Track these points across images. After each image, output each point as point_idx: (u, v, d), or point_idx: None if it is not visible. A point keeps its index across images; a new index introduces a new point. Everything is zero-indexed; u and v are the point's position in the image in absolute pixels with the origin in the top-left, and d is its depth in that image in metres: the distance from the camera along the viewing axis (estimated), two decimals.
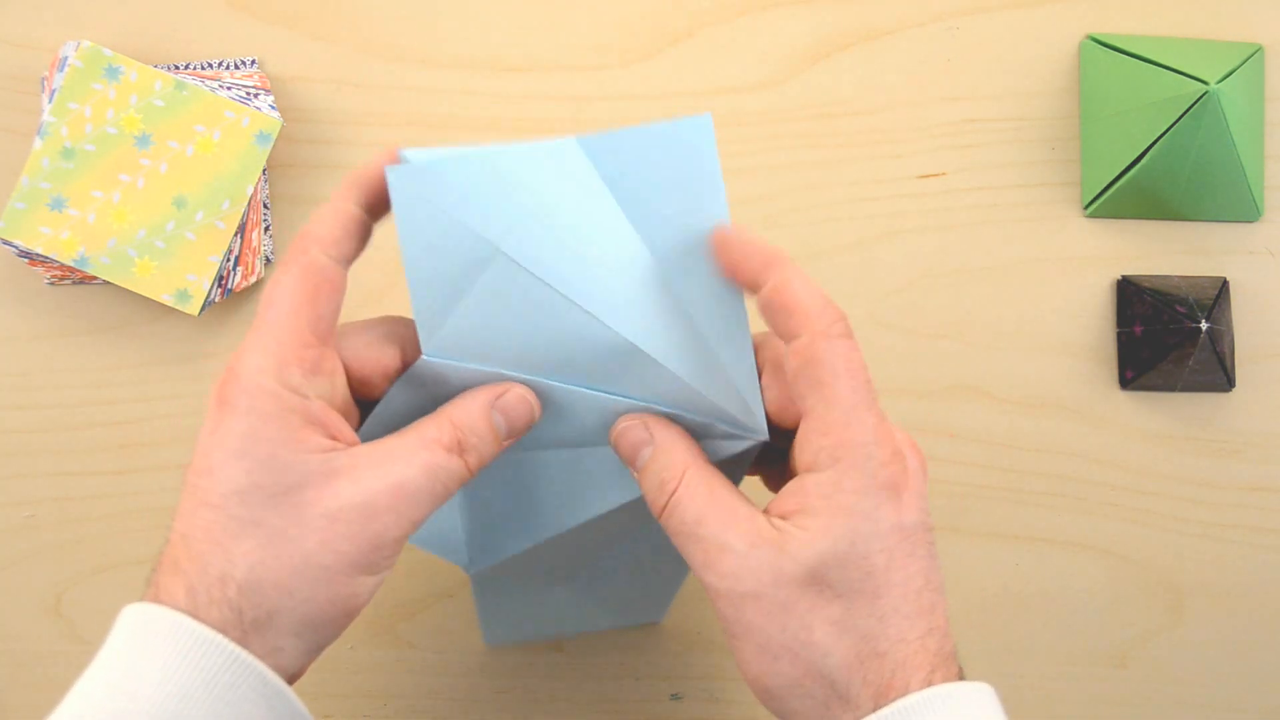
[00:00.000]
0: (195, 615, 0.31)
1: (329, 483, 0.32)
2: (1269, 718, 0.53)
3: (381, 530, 0.32)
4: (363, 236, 0.35)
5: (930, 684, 0.31)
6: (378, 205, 0.35)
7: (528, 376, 0.35)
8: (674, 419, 0.36)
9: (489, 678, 0.52)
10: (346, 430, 0.34)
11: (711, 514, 0.33)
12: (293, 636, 0.32)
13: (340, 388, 0.35)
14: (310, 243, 0.34)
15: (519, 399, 0.35)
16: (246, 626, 0.31)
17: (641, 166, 0.34)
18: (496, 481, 0.40)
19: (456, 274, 0.34)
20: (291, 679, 0.33)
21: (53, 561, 0.51)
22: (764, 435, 0.36)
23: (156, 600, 0.31)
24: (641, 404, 0.36)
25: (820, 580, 0.32)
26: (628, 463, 0.36)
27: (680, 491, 0.34)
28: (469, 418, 0.34)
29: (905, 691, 0.31)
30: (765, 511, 0.33)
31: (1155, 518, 0.53)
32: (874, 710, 0.31)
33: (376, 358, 0.35)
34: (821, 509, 0.32)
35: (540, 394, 0.36)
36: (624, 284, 0.34)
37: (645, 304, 0.34)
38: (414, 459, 0.33)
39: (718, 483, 0.34)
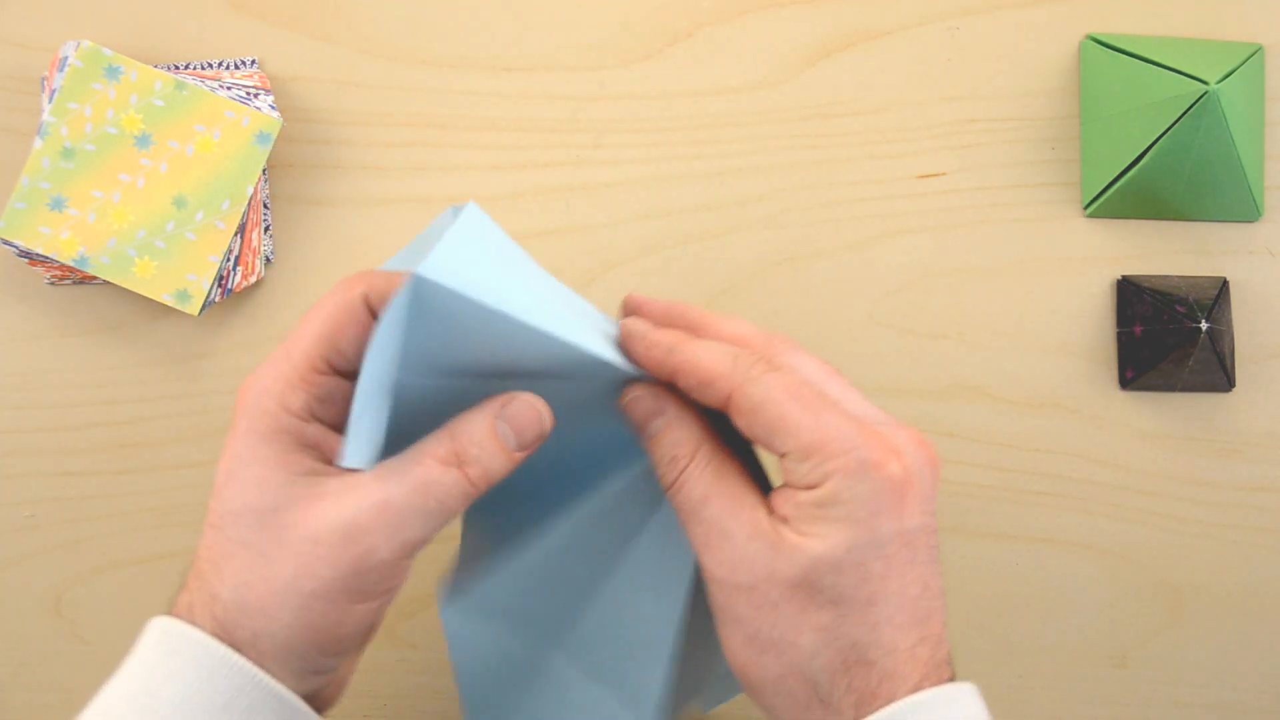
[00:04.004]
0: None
1: (313, 505, 0.31)
2: (1269, 718, 0.53)
3: (364, 554, 0.31)
4: None
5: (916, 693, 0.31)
6: None
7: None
8: None
9: None
10: None
11: (717, 496, 0.33)
12: (277, 661, 0.31)
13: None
14: (360, 282, 0.33)
15: (527, 406, 0.33)
16: (234, 646, 0.31)
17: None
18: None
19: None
20: (313, 702, 0.33)
21: (53, 561, 0.51)
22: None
23: (177, 615, 0.32)
24: None
25: (812, 585, 0.31)
26: (638, 430, 0.35)
27: (691, 468, 0.33)
28: (471, 428, 0.33)
29: (890, 702, 0.30)
30: (770, 500, 0.33)
31: (1155, 518, 0.53)
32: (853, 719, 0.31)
33: None
34: (817, 518, 0.31)
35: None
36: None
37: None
38: (405, 476, 0.32)
39: (728, 465, 0.34)
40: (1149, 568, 0.53)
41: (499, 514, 0.42)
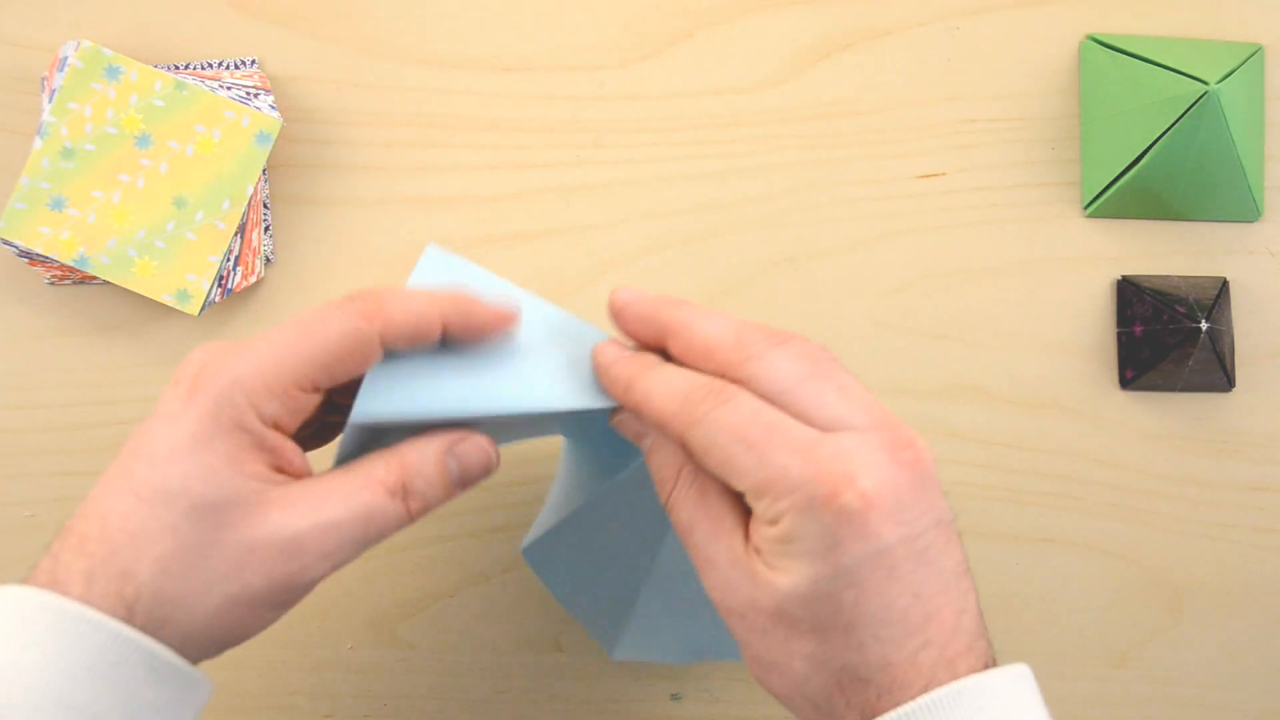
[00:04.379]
0: (88, 602, 0.30)
1: (257, 510, 0.31)
2: (1269, 718, 0.53)
3: (299, 571, 0.31)
4: (423, 344, 0.33)
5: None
6: (458, 334, 0.33)
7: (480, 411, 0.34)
8: None
9: (489, 678, 0.52)
10: (299, 460, 0.33)
11: (700, 521, 0.32)
12: (175, 644, 0.31)
13: (312, 420, 0.34)
14: (380, 315, 0.32)
15: (478, 449, 0.33)
16: (134, 626, 0.30)
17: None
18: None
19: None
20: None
21: None
22: None
23: (53, 575, 0.31)
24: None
25: (788, 617, 0.31)
26: (637, 445, 0.35)
27: (675, 492, 0.33)
28: (421, 461, 0.33)
29: (896, 710, 0.30)
30: (749, 524, 0.32)
31: (1155, 518, 0.53)
32: None
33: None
34: (780, 554, 0.30)
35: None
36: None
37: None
38: (351, 500, 0.32)
39: (710, 487, 0.33)
40: (1149, 568, 0.53)
41: (572, 473, 0.44)
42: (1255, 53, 0.52)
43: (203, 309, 0.50)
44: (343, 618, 0.51)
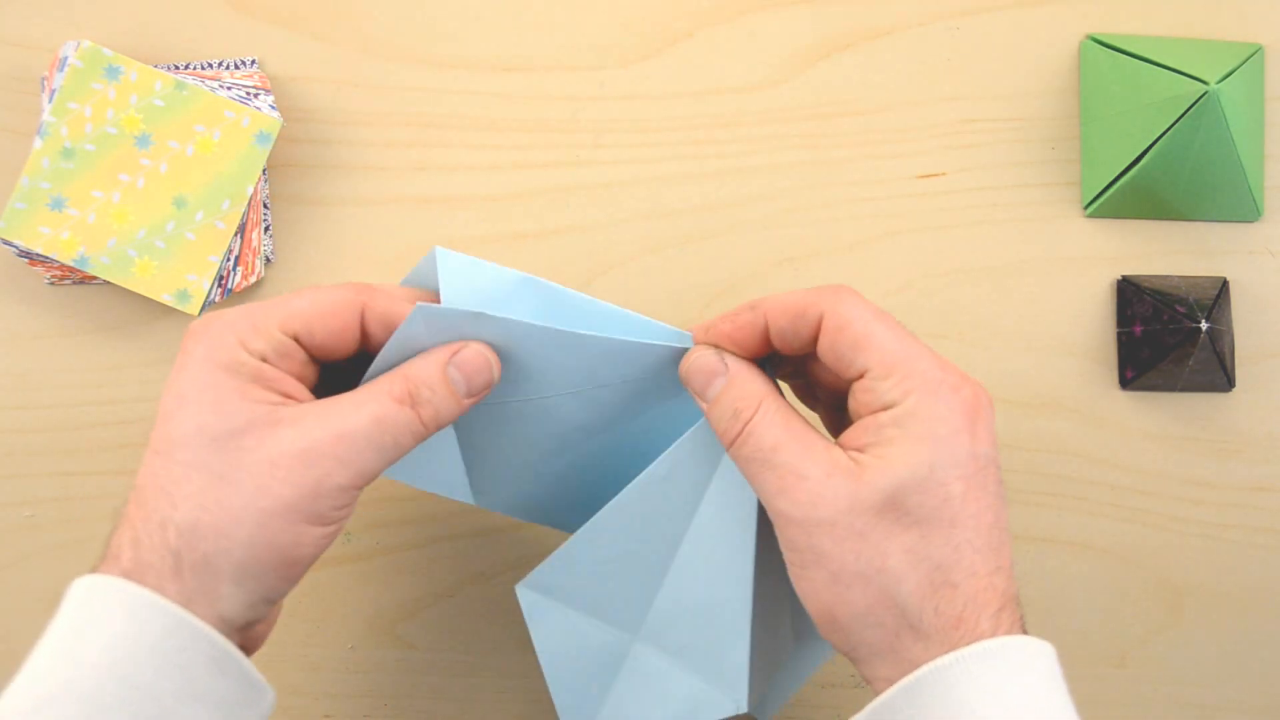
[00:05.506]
0: (138, 563, 0.32)
1: (272, 430, 0.32)
2: (1269, 718, 0.53)
3: (322, 476, 0.32)
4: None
5: (998, 624, 0.31)
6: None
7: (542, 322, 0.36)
8: None
9: (489, 678, 0.52)
10: (301, 391, 0.34)
11: (788, 441, 0.34)
12: (231, 584, 0.32)
13: (303, 378, 0.36)
14: (366, 290, 0.35)
15: (476, 354, 0.35)
16: (185, 572, 0.31)
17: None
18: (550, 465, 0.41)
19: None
20: (243, 639, 0.34)
21: (53, 561, 0.51)
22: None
23: (105, 561, 0.32)
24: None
25: (897, 507, 0.32)
26: (698, 394, 0.36)
27: (757, 419, 0.34)
28: (424, 371, 0.35)
29: (976, 628, 0.31)
30: (840, 441, 0.34)
31: (1155, 518, 0.53)
32: (947, 648, 0.31)
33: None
34: (897, 438, 0.32)
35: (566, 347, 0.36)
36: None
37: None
38: (362, 409, 0.33)
39: (793, 414, 0.35)
40: (1149, 568, 0.53)
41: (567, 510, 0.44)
42: (1255, 53, 0.52)
43: (203, 309, 0.50)
44: (343, 618, 0.51)
